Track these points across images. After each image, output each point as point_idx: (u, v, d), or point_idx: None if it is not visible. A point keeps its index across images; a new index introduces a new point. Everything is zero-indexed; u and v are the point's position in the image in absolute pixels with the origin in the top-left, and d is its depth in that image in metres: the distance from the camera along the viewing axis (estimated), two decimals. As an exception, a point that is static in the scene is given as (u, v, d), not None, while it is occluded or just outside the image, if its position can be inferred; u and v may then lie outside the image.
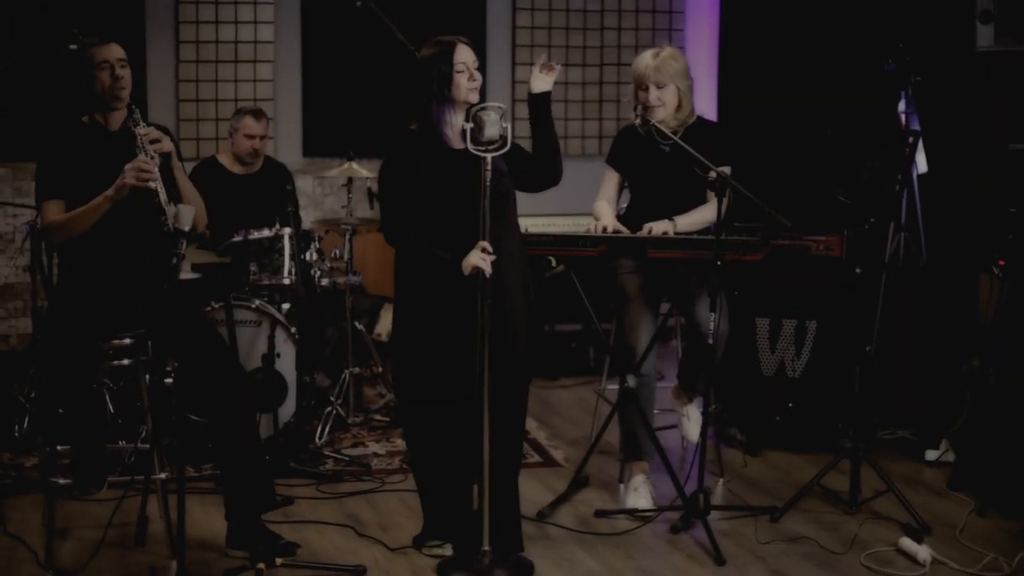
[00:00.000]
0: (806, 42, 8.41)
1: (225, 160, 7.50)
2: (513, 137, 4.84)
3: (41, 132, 5.19)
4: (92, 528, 5.46)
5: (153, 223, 4.85)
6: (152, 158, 4.89)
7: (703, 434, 5.60)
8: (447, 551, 5.20)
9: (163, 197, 4.84)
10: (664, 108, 5.78)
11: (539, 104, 5.04)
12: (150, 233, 4.95)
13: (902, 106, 7.16)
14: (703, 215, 5.76)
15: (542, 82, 5.05)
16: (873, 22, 7.88)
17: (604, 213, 5.86)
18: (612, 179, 6.01)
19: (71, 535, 5.44)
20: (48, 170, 5.06)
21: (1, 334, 8.99)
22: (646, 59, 5.80)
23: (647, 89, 5.77)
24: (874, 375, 5.99)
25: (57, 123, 5.19)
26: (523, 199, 5.20)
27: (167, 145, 4.97)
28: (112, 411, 6.56)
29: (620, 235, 5.66)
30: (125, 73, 5.06)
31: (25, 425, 6.74)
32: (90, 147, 5.06)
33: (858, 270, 6.17)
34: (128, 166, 4.85)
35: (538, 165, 5.07)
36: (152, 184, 4.82)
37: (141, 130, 4.95)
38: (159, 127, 5.25)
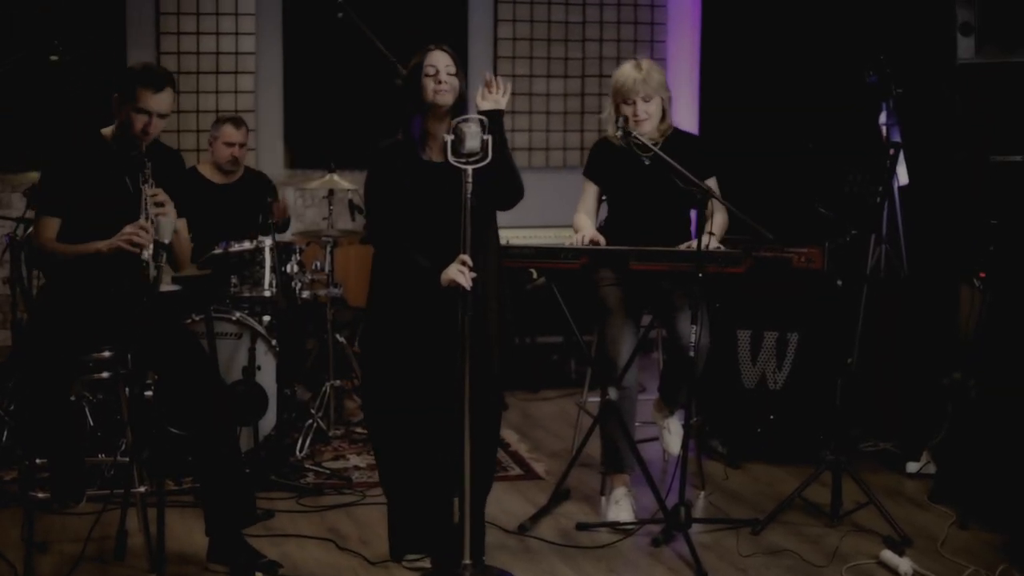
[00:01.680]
0: (787, 54, 8.42)
1: (205, 171, 7.50)
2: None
3: (55, 142, 5.15)
4: (71, 542, 5.44)
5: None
6: (152, 220, 4.87)
7: (684, 447, 5.59)
8: (426, 564, 5.19)
9: (151, 267, 4.82)
10: (650, 121, 5.78)
11: (488, 122, 4.98)
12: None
13: (883, 118, 7.17)
14: (723, 220, 5.76)
15: (489, 101, 5.00)
16: (854, 34, 7.89)
17: (584, 225, 5.86)
18: (590, 191, 6.01)
19: (50, 549, 5.41)
20: (53, 184, 5.07)
21: (-20, 346, 8.96)
22: (631, 72, 5.79)
23: (633, 103, 5.75)
24: (855, 387, 5.99)
25: (73, 134, 5.17)
26: (506, 212, 5.19)
27: (169, 214, 4.92)
28: (92, 424, 6.53)
29: (601, 247, 5.66)
30: (157, 126, 5.02)
31: (3, 438, 6.71)
32: (101, 164, 5.05)
33: (839, 282, 6.16)
34: (127, 229, 4.83)
35: (495, 182, 5.02)
36: (144, 255, 4.81)
37: (149, 191, 4.92)
38: (174, 153, 5.25)
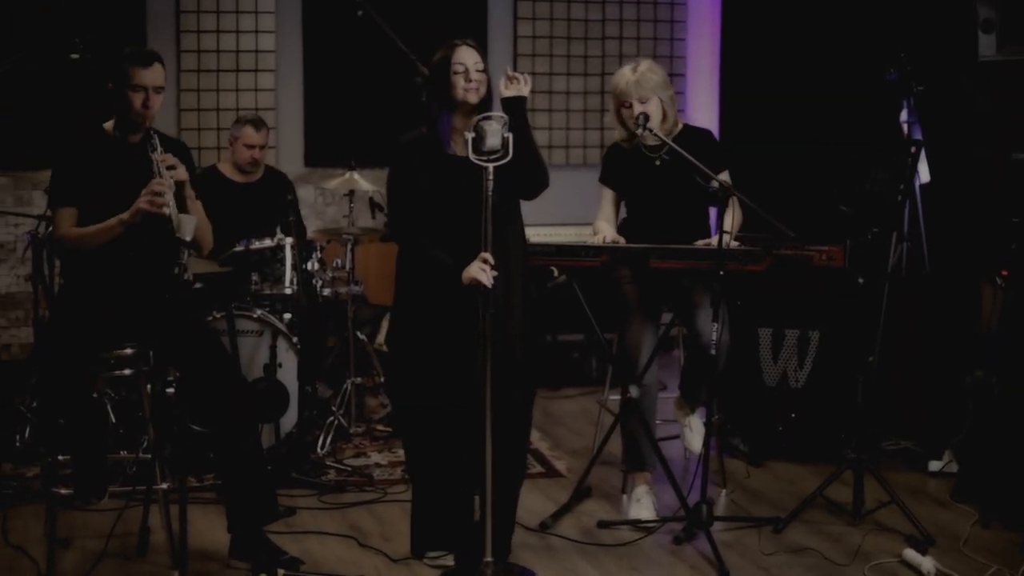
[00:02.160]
0: (808, 51, 8.41)
1: (225, 169, 7.50)
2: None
3: (61, 137, 5.17)
4: (94, 538, 5.45)
5: (157, 233, 4.84)
6: (168, 184, 4.88)
7: (705, 444, 5.59)
8: (448, 561, 5.19)
9: (175, 223, 4.82)
10: (651, 121, 5.76)
11: (508, 109, 4.98)
12: (152, 244, 4.95)
13: (904, 116, 7.15)
14: (738, 215, 5.75)
15: (511, 90, 5.00)
16: (875, 31, 7.87)
17: (604, 227, 5.87)
18: (608, 197, 6.01)
19: (73, 545, 5.43)
20: (64, 176, 5.06)
21: (2, 344, 8.98)
22: (625, 75, 5.79)
23: (631, 106, 5.75)
24: (877, 385, 5.97)
25: (78, 128, 5.18)
26: (526, 209, 5.19)
27: (182, 173, 4.96)
28: (114, 421, 6.55)
29: (622, 245, 5.65)
30: (156, 101, 5.05)
31: (26, 435, 6.73)
32: (108, 156, 5.06)
33: (861, 280, 6.15)
34: (144, 191, 4.84)
35: (518, 171, 5.02)
36: (166, 211, 4.80)
37: (158, 156, 4.94)
38: (178, 142, 5.26)
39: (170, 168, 4.92)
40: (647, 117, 5.68)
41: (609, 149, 6.04)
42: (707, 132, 6.05)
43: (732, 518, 5.80)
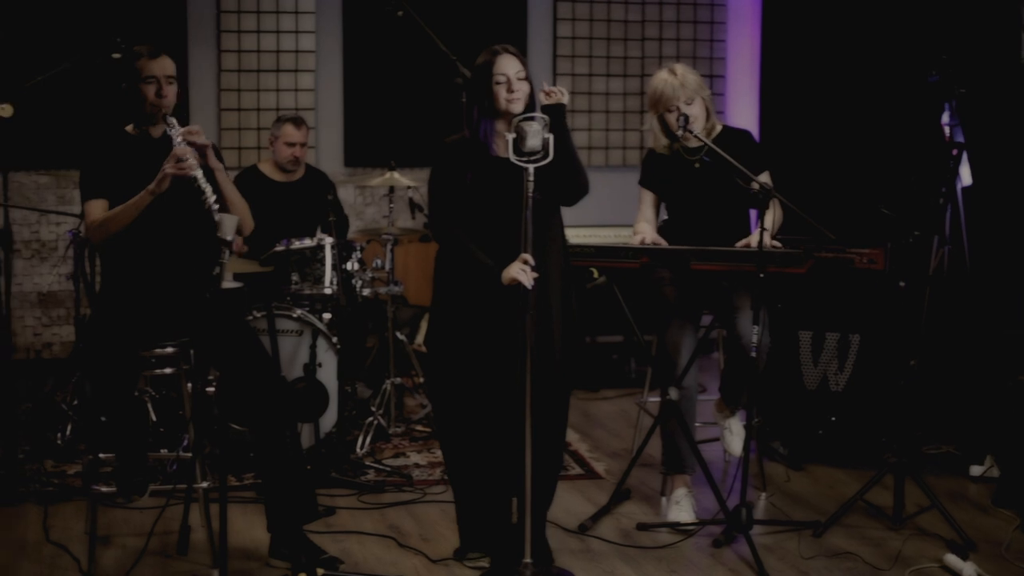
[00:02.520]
0: (848, 52, 8.37)
1: (266, 169, 7.53)
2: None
3: (84, 138, 5.20)
4: (134, 536, 5.48)
5: (197, 232, 4.86)
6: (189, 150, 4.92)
7: (745, 447, 5.57)
8: (487, 563, 5.19)
9: (203, 183, 4.84)
10: (697, 123, 5.74)
11: (549, 115, 4.97)
12: (194, 242, 4.97)
13: (946, 118, 7.10)
14: (779, 215, 5.74)
15: (550, 100, 4.98)
16: (917, 33, 7.83)
17: (644, 229, 5.86)
18: (648, 200, 5.99)
19: (113, 543, 5.46)
20: (91, 172, 5.08)
21: (44, 342, 9.04)
22: (666, 79, 5.76)
23: (676, 109, 5.73)
24: (918, 389, 5.94)
25: (100, 129, 5.21)
26: (566, 209, 5.18)
27: (203, 138, 4.98)
28: (154, 419, 6.59)
29: (662, 247, 5.65)
30: (171, 90, 5.08)
31: (68, 433, 6.77)
32: (132, 152, 5.08)
33: (902, 283, 6.12)
34: (167, 158, 4.88)
35: (558, 177, 5.04)
36: (193, 172, 4.84)
37: (177, 130, 4.97)
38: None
39: (190, 135, 4.96)
40: (687, 119, 5.67)
41: (648, 152, 6.03)
42: (747, 133, 6.04)
43: (772, 522, 5.78)
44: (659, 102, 5.78)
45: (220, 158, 5.15)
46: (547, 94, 4.96)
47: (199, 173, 4.86)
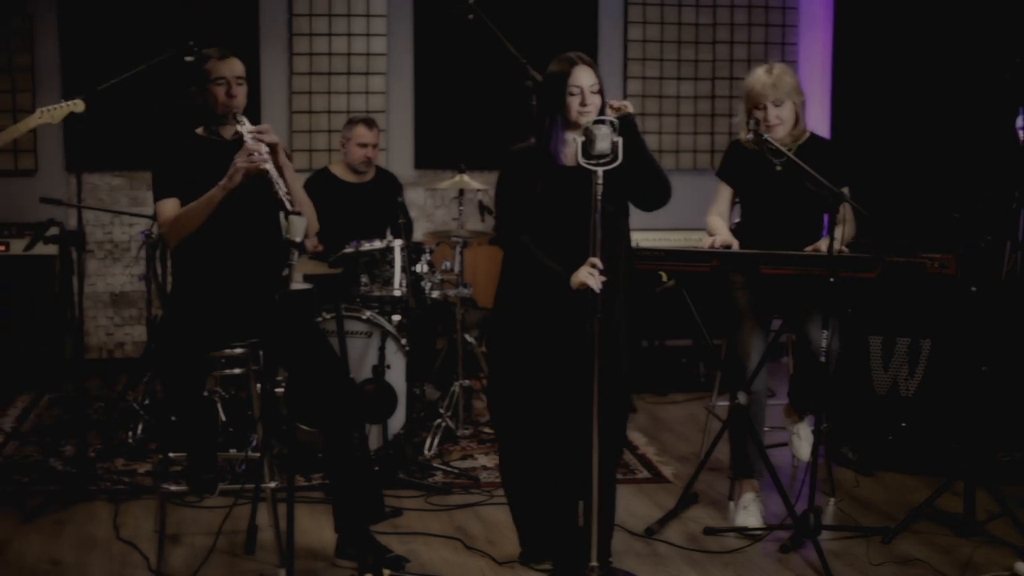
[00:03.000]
0: (921, 56, 8.31)
1: (337, 170, 7.58)
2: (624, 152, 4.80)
3: (155, 140, 5.25)
4: (203, 535, 5.52)
5: (267, 233, 4.88)
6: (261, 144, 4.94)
7: (814, 453, 5.54)
8: (549, 566, 5.20)
9: (275, 176, 4.87)
10: (783, 126, 5.71)
11: (621, 127, 4.95)
12: (263, 243, 5.00)
13: (1020, 122, 7.03)
14: (851, 232, 5.69)
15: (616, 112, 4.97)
16: (990, 35, 7.76)
17: (718, 227, 5.82)
18: (725, 193, 5.96)
19: (182, 541, 5.50)
20: (163, 172, 5.12)
21: (117, 342, 9.13)
22: (760, 77, 5.73)
23: (764, 108, 5.70)
24: (989, 395, 5.89)
25: (171, 130, 5.25)
26: (635, 213, 5.17)
27: (272, 136, 5.01)
28: (224, 419, 6.64)
29: (732, 251, 5.62)
30: (240, 91, 5.11)
31: (139, 432, 6.83)
32: (203, 153, 5.12)
33: (973, 288, 6.07)
34: (238, 153, 4.91)
35: (640, 184, 5.03)
36: (265, 165, 4.87)
37: (246, 127, 5.01)
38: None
39: (260, 134, 4.98)
40: (758, 122, 5.64)
41: (731, 145, 5.97)
42: (833, 143, 5.99)
43: (840, 527, 5.74)
44: (749, 97, 5.75)
45: (288, 154, 5.19)
46: (614, 108, 4.93)
47: (270, 166, 4.88)
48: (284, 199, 4.80)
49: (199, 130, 5.22)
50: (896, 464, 6.63)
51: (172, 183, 5.08)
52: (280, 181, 4.88)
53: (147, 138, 5.66)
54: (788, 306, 5.82)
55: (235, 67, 5.13)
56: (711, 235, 5.78)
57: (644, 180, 4.99)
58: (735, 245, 5.65)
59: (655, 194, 5.07)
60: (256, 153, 4.87)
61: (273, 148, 4.99)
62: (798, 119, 5.78)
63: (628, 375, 5.10)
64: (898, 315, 6.69)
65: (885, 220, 5.35)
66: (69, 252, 7.97)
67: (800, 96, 5.77)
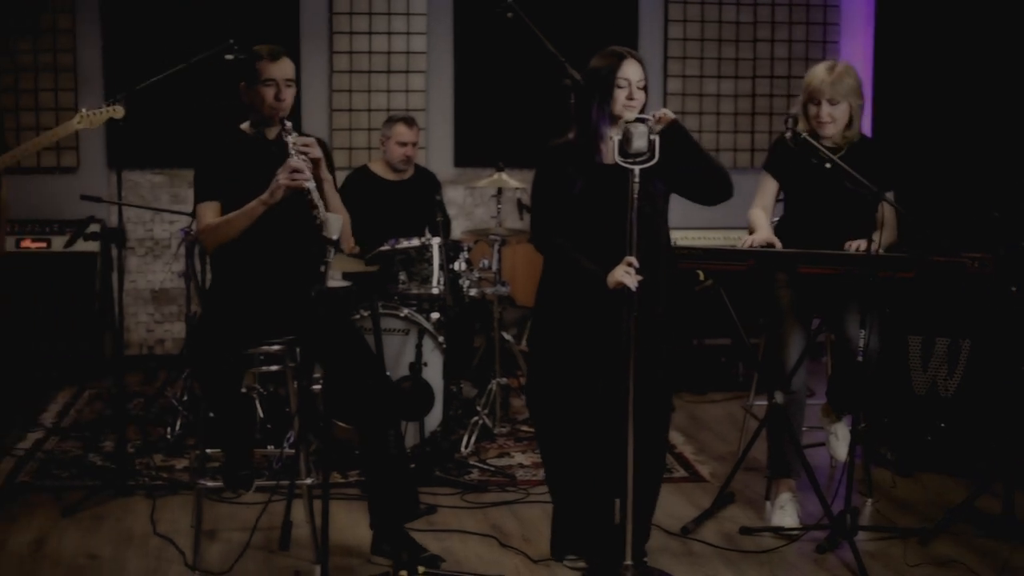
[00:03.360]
0: (962, 52, 8.26)
1: (377, 168, 7.60)
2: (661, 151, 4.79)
3: (199, 137, 5.26)
4: (239, 531, 5.55)
5: (304, 231, 4.89)
6: (304, 160, 4.93)
7: (850, 453, 5.52)
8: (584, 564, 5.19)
9: (315, 197, 4.87)
10: (834, 125, 5.68)
11: (670, 139, 4.93)
12: (300, 241, 5.01)
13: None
14: (890, 238, 5.65)
15: (661, 124, 4.94)
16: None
17: (760, 223, 5.78)
18: (769, 186, 5.92)
19: (218, 537, 5.53)
20: (205, 173, 5.14)
21: (157, 338, 9.18)
22: (820, 73, 5.68)
23: (819, 104, 5.67)
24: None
25: (215, 128, 5.26)
26: (674, 213, 5.16)
27: (316, 152, 5.01)
28: (262, 416, 6.66)
29: (770, 250, 5.59)
30: (289, 93, 5.11)
31: (177, 428, 6.87)
32: (247, 153, 5.12)
33: (1013, 288, 6.02)
34: (280, 169, 4.90)
35: (701, 183, 5.03)
36: (306, 184, 4.86)
37: (292, 138, 5.00)
38: (315, 138, 5.32)
39: (305, 147, 4.98)
40: (795, 121, 5.61)
41: (779, 139, 5.92)
42: (882, 146, 5.94)
43: (877, 528, 5.72)
44: (807, 91, 5.72)
45: (332, 167, 5.19)
46: (656, 120, 4.91)
47: (312, 185, 4.88)
48: (321, 223, 4.80)
49: (244, 125, 5.23)
50: (935, 465, 6.59)
51: (214, 185, 5.09)
52: (320, 204, 4.87)
53: (192, 135, 5.68)
54: (827, 305, 5.80)
55: (286, 69, 5.12)
56: (752, 230, 5.75)
57: (704, 178, 5.01)
58: (777, 244, 5.62)
59: (717, 190, 5.07)
60: (299, 172, 4.88)
61: (316, 163, 4.99)
62: (852, 120, 5.73)
63: (667, 375, 5.09)
64: (938, 315, 6.65)
65: (925, 220, 5.31)
66: (109, 249, 8.03)
67: (859, 99, 5.72)
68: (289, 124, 5.06)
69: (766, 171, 5.94)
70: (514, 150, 8.35)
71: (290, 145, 4.97)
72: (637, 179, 4.75)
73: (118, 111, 6.10)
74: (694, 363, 8.55)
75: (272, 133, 5.14)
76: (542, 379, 5.16)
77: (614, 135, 4.81)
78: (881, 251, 5.41)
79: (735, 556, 5.39)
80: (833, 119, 5.67)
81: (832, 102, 5.65)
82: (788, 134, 5.58)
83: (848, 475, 5.39)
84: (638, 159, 4.75)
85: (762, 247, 5.59)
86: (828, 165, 5.54)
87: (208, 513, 5.60)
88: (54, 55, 8.83)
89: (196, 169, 5.18)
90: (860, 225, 5.81)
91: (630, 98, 4.92)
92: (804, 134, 5.56)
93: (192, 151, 5.25)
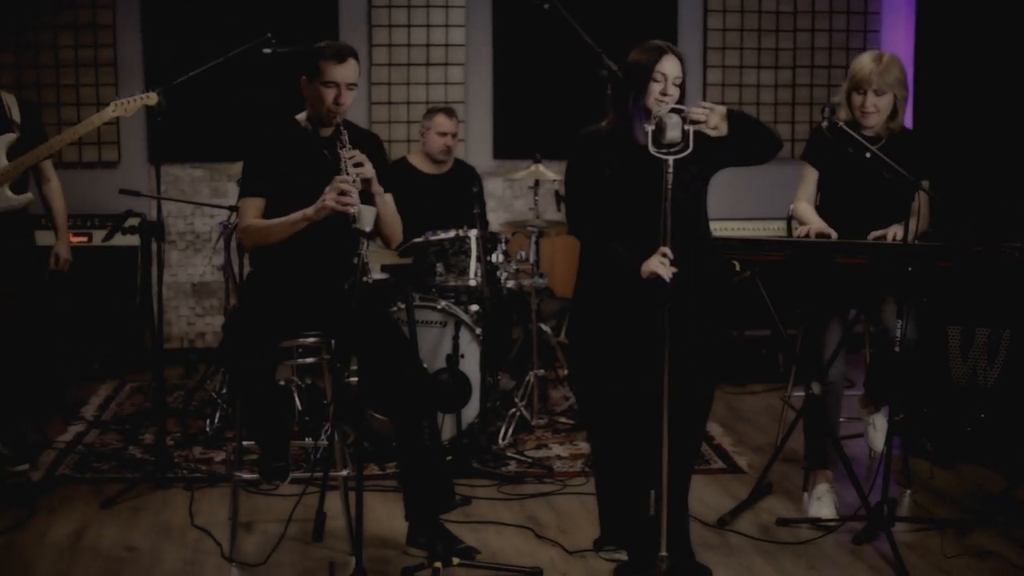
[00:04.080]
0: (1004, 42, 8.20)
1: (416, 160, 7.61)
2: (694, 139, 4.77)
3: (251, 130, 5.25)
4: (275, 522, 5.57)
5: (340, 226, 4.89)
6: (354, 181, 4.89)
7: (887, 444, 5.49)
8: (622, 556, 5.18)
9: (359, 220, 4.84)
10: (878, 115, 5.65)
11: (735, 123, 4.92)
12: (336, 235, 5.01)
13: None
14: (921, 225, 5.61)
15: (719, 131, 4.90)
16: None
17: (810, 216, 5.76)
18: (810, 177, 5.89)
19: (255, 528, 5.55)
20: (254, 167, 5.16)
21: (197, 331, 9.22)
22: (867, 63, 5.65)
23: (864, 93, 5.64)
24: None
25: (268, 121, 5.26)
26: (714, 203, 5.14)
27: (368, 171, 4.97)
28: (300, 408, 6.69)
29: (806, 240, 5.56)
30: (349, 97, 5.09)
31: (216, 420, 6.90)
32: (299, 147, 5.13)
33: (1054, 278, 5.99)
34: (329, 188, 4.86)
35: (749, 142, 4.99)
36: (352, 210, 4.81)
37: (346, 152, 4.96)
38: (370, 134, 5.32)
39: (358, 165, 4.96)
40: (833, 110, 5.58)
41: (819, 127, 5.87)
42: (923, 137, 5.90)
43: (914, 519, 5.69)
44: (852, 80, 5.69)
45: (385, 162, 5.17)
46: (713, 128, 4.88)
47: (356, 210, 4.84)
48: (359, 232, 4.79)
49: (300, 116, 5.22)
50: (974, 456, 6.55)
51: (260, 181, 5.10)
52: (359, 212, 4.84)
53: (245, 128, 5.66)
54: (865, 296, 5.76)
55: (349, 73, 5.09)
56: (801, 223, 5.72)
57: (753, 135, 4.99)
58: (833, 235, 5.58)
59: (770, 146, 5.05)
60: (346, 195, 4.85)
61: (367, 183, 4.98)
62: (896, 112, 5.70)
63: (704, 366, 5.06)
64: (977, 305, 6.61)
65: (965, 209, 5.27)
66: (150, 243, 8.06)
67: (904, 91, 5.69)
68: (345, 135, 5.03)
69: (805, 160, 5.91)
70: (551, 142, 8.34)
71: (343, 159, 4.95)
72: (671, 169, 4.73)
73: (151, 98, 6.13)
74: (734, 354, 8.53)
75: (326, 131, 5.14)
76: (584, 372, 5.16)
77: (647, 126, 4.79)
78: (917, 233, 5.38)
79: (771, 547, 5.37)
80: (877, 109, 5.64)
81: (878, 92, 5.63)
82: (824, 123, 5.55)
83: (885, 466, 5.36)
84: (672, 149, 4.74)
85: (818, 237, 5.56)
86: (868, 155, 5.50)
87: (245, 505, 5.63)
88: (95, 50, 8.89)
89: (245, 162, 5.19)
90: (895, 215, 5.78)
91: (664, 93, 4.90)
92: (840, 123, 5.53)
93: (243, 144, 5.25)
